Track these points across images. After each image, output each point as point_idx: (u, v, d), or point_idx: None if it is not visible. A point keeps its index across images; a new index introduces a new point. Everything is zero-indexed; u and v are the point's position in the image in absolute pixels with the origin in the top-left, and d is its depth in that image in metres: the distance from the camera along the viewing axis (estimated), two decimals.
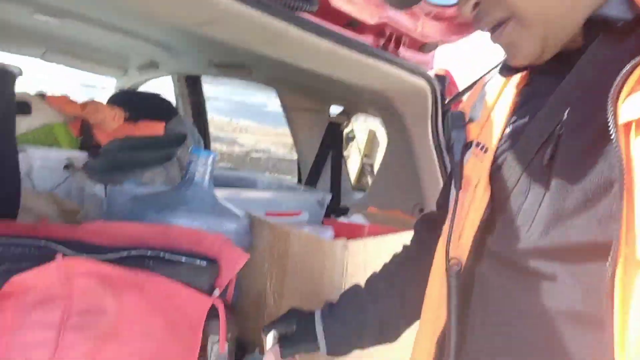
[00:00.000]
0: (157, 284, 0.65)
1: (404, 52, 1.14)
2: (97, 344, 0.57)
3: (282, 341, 0.74)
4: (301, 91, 1.62)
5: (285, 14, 0.78)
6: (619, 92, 0.42)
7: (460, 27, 1.17)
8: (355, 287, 0.77)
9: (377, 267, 0.78)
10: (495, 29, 0.54)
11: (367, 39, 1.06)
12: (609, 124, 0.42)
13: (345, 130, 1.70)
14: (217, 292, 0.75)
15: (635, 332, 0.38)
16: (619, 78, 0.43)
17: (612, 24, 0.47)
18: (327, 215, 1.50)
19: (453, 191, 0.62)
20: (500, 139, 0.58)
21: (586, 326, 0.44)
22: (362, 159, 2.90)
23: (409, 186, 1.48)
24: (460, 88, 1.30)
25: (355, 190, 1.81)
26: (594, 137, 0.45)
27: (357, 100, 1.51)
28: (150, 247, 0.77)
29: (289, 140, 2.06)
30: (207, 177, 1.00)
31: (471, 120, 0.65)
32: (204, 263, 0.76)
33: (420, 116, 1.23)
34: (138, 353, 0.62)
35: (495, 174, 0.56)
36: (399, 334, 0.74)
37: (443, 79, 1.24)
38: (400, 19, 1.07)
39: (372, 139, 3.08)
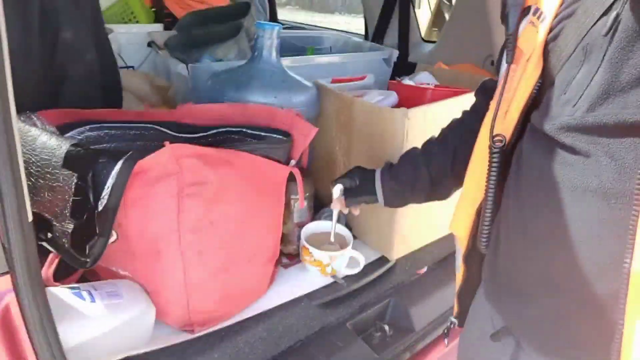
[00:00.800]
0: (244, 158, 0.79)
1: None
2: (207, 207, 0.75)
3: (346, 193, 0.88)
4: None
5: None
6: None
7: None
8: (413, 149, 0.85)
9: (436, 132, 0.85)
10: None
11: None
12: None
13: None
14: (293, 162, 0.88)
15: None
16: None
17: None
18: (395, 72, 1.52)
19: (504, 65, 0.60)
20: (560, 5, 0.53)
21: (613, 204, 0.45)
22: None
23: (480, 37, 1.41)
24: None
25: (426, 42, 1.74)
26: None
27: None
28: (233, 124, 0.90)
29: None
30: (274, 51, 1.06)
31: None
32: (279, 137, 0.88)
33: None
34: (237, 212, 0.80)
35: (550, 44, 0.53)
36: (450, 193, 0.83)
37: None
38: None
39: None
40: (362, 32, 1.95)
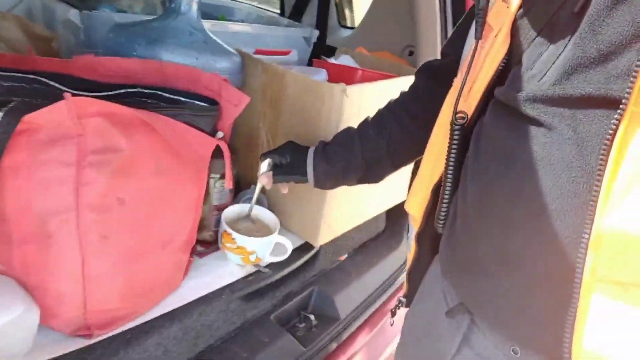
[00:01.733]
0: (166, 123, 0.65)
1: None
2: (114, 180, 0.60)
3: (275, 169, 0.80)
4: None
5: None
6: None
7: None
8: (348, 129, 0.80)
9: (372, 112, 0.80)
10: None
11: None
12: None
13: None
14: (220, 135, 0.76)
15: (623, 181, 0.40)
16: None
17: None
18: (314, 54, 1.45)
19: (471, 41, 0.59)
20: None
21: (574, 177, 0.45)
22: None
23: (401, 27, 1.41)
24: None
25: (343, 27, 1.71)
26: None
27: None
28: (147, 85, 0.75)
29: None
30: (194, 7, 0.92)
31: None
32: (204, 104, 0.75)
33: None
34: (153, 188, 0.66)
35: (520, 20, 0.53)
36: (383, 177, 0.80)
37: None
38: None
39: None
40: (276, 10, 1.85)
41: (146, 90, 0.74)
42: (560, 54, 0.47)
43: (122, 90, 0.72)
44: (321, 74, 1.07)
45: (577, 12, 0.46)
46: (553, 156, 0.46)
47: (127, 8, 0.99)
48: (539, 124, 0.47)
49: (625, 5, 0.42)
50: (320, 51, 1.49)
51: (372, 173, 0.79)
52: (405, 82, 0.81)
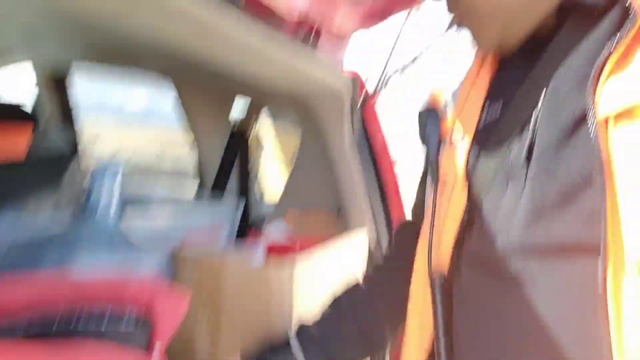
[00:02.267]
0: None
1: (322, 46, 1.07)
2: None
3: None
4: (202, 87, 1.46)
5: None
6: (596, 82, 0.42)
7: (377, 12, 1.13)
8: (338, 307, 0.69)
9: (326, 283, 0.73)
10: (459, 15, 0.56)
11: (287, 32, 0.97)
12: (588, 117, 0.41)
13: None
14: (158, 347, 0.61)
15: (633, 338, 0.38)
16: (594, 68, 0.42)
17: (584, 8, 0.47)
18: (243, 227, 1.39)
19: (430, 194, 0.59)
20: (475, 132, 0.55)
21: (571, 329, 0.43)
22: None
23: (327, 187, 1.44)
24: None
25: (264, 198, 1.71)
26: (570, 127, 0.44)
27: (267, 98, 1.41)
28: (58, 311, 0.60)
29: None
30: (113, 203, 0.83)
31: (447, 110, 0.63)
32: (131, 327, 0.61)
33: (338, 117, 1.19)
34: None
35: (472, 170, 0.54)
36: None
37: (355, 80, 1.23)
38: (322, 9, 0.99)
39: (256, 145, 2.97)
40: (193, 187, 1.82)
41: (55, 324, 0.59)
42: (520, 200, 0.47)
43: (20, 332, 0.57)
44: (256, 252, 0.99)
45: (525, 158, 0.47)
46: (545, 310, 0.44)
47: (34, 210, 0.87)
48: (519, 278, 0.46)
49: (571, 147, 0.43)
50: (247, 222, 1.44)
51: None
52: (349, 244, 0.76)
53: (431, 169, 0.57)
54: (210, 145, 1.56)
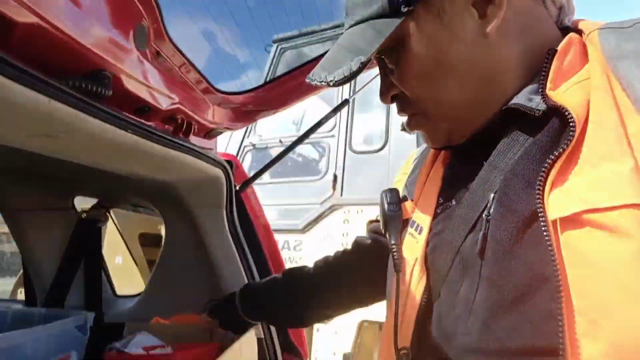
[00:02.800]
0: None
1: (193, 138, 1.01)
2: None
3: None
4: (36, 183, 1.22)
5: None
6: (544, 187, 0.44)
7: (246, 114, 1.14)
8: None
9: None
10: (409, 119, 0.59)
11: (157, 125, 0.88)
12: (540, 217, 0.43)
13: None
14: None
15: None
16: (541, 172, 0.44)
17: (525, 113, 0.48)
18: (94, 340, 1.13)
19: (391, 277, 0.60)
20: (433, 220, 0.58)
21: None
22: None
23: (198, 283, 1.29)
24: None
25: (121, 298, 1.45)
26: (523, 226, 0.45)
27: (123, 191, 1.24)
28: None
29: None
30: None
31: (405, 198, 0.65)
32: None
33: (214, 205, 1.10)
34: None
35: (431, 255, 0.56)
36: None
37: (231, 164, 1.17)
38: (193, 104, 0.94)
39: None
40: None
41: None
42: (475, 297, 0.47)
43: None
44: None
45: (478, 253, 0.48)
46: None
47: None
48: None
49: (523, 247, 0.44)
50: (101, 335, 1.18)
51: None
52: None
53: (394, 249, 0.60)
54: (46, 250, 1.29)
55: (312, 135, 1.26)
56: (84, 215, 1.29)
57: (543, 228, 0.42)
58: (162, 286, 1.30)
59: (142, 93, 0.75)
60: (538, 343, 0.41)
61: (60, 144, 0.62)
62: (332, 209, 3.30)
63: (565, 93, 0.47)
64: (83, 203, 1.35)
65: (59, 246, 1.28)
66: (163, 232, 1.30)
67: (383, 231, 0.63)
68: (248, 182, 1.16)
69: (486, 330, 0.45)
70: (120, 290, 1.65)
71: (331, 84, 0.52)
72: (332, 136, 3.47)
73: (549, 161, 0.44)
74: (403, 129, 0.63)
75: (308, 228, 3.33)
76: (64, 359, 0.88)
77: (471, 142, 0.56)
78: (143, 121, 0.78)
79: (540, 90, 0.48)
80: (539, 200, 0.43)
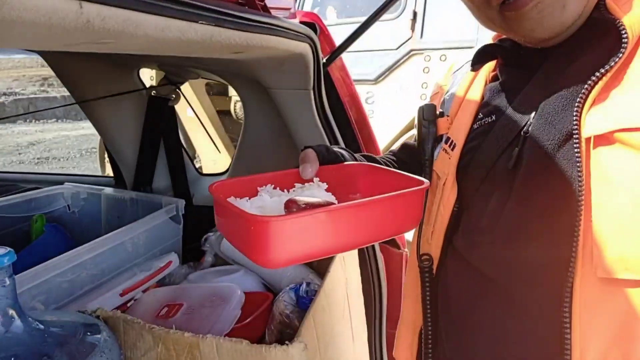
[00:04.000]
0: None
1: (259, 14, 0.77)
2: None
3: None
4: (105, 58, 1.07)
5: None
6: (584, 104, 0.45)
7: None
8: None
9: None
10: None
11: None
12: (575, 137, 0.45)
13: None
14: None
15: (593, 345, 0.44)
16: (583, 90, 0.45)
17: (593, 25, 0.48)
18: (188, 227, 1.11)
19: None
20: (468, 135, 0.58)
21: (543, 323, 0.47)
22: None
23: (283, 166, 1.18)
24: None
25: (206, 176, 1.41)
26: (558, 145, 0.47)
27: (193, 67, 1.07)
28: None
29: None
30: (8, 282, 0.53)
31: (442, 114, 0.63)
32: None
33: (300, 86, 0.91)
34: None
35: (463, 171, 0.57)
36: None
37: (315, 29, 0.93)
38: None
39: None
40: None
41: None
42: (503, 210, 0.50)
43: None
44: (234, 297, 0.74)
45: (511, 169, 0.50)
46: (518, 320, 0.49)
47: None
48: (498, 285, 0.50)
49: (556, 165, 0.46)
50: (193, 219, 1.15)
51: None
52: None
53: (425, 164, 0.61)
54: (124, 128, 1.20)
55: None
56: (153, 92, 1.16)
57: (575, 146, 0.44)
58: (247, 167, 1.22)
59: None
60: (555, 253, 0.45)
61: (112, 46, 0.44)
62: (410, 54, 2.92)
63: (624, 5, 0.46)
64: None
65: (136, 128, 1.19)
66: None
67: (418, 145, 0.64)
68: (336, 52, 0.94)
69: (509, 242, 0.48)
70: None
71: None
72: None
73: (594, 78, 0.44)
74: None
75: (381, 78, 3.02)
76: (166, 266, 0.84)
77: (526, 53, 0.54)
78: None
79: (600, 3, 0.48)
80: (575, 119, 0.45)
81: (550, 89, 0.49)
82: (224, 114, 3.15)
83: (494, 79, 0.60)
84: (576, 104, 0.45)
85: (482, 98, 0.59)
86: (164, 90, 1.15)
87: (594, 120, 0.44)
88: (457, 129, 0.59)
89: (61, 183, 1.19)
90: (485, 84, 0.60)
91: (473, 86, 0.61)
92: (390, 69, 2.97)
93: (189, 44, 0.49)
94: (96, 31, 0.34)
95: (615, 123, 0.42)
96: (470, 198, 0.55)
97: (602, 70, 0.44)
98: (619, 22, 0.45)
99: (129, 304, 0.77)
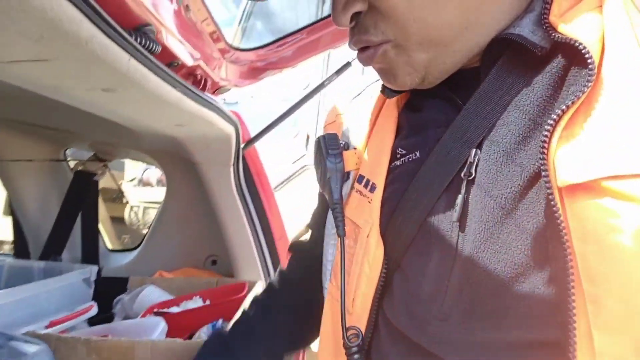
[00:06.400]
0: None
1: (207, 94, 1.02)
2: None
3: None
4: (29, 134, 1.18)
5: None
6: (550, 140, 0.34)
7: (254, 72, 1.15)
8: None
9: None
10: (366, 50, 0.43)
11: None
12: (546, 184, 0.33)
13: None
14: None
15: None
16: (550, 121, 0.34)
17: (521, 47, 0.38)
18: (98, 296, 1.15)
19: (333, 239, 0.50)
20: (388, 175, 0.46)
21: None
22: None
23: (198, 238, 1.32)
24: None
25: (115, 252, 1.46)
26: (520, 195, 0.36)
27: (122, 144, 1.22)
28: None
29: None
30: None
31: (347, 145, 0.52)
32: None
33: (222, 162, 1.12)
34: None
35: (386, 222, 0.45)
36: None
37: (237, 120, 1.18)
38: (210, 61, 0.95)
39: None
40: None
41: None
42: (450, 276, 0.39)
43: None
44: (158, 326, 0.84)
45: (457, 221, 0.39)
46: None
47: None
48: None
49: (523, 218, 0.36)
50: (103, 289, 1.19)
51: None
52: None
53: (336, 209, 0.48)
54: (40, 203, 1.26)
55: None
56: (80, 167, 1.27)
57: (549, 192, 0.33)
58: (162, 240, 1.33)
59: (176, 48, 0.76)
60: (541, 336, 0.34)
61: (110, 97, 0.63)
62: (303, 168, 3.37)
63: (574, 22, 0.36)
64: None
65: (55, 200, 1.26)
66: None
67: (320, 186, 0.51)
68: (253, 139, 1.19)
69: (469, 316, 0.37)
70: None
71: None
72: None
73: (559, 112, 0.34)
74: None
75: (279, 187, 3.39)
76: (88, 309, 0.90)
77: (447, 82, 0.44)
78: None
79: (542, 18, 0.38)
80: (542, 158, 0.34)
81: (492, 123, 0.39)
82: (116, 220, 3.16)
83: (409, 103, 0.50)
84: (542, 139, 0.34)
85: (398, 127, 0.48)
86: (91, 165, 1.27)
87: (569, 161, 0.33)
88: (372, 165, 0.48)
89: None
90: (398, 109, 0.50)
91: (383, 113, 0.51)
92: (288, 179, 3.36)
93: (161, 103, 0.69)
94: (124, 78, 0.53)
95: (603, 168, 0.31)
96: (400, 255, 0.44)
97: (568, 102, 0.33)
98: (574, 41, 0.35)
99: None
